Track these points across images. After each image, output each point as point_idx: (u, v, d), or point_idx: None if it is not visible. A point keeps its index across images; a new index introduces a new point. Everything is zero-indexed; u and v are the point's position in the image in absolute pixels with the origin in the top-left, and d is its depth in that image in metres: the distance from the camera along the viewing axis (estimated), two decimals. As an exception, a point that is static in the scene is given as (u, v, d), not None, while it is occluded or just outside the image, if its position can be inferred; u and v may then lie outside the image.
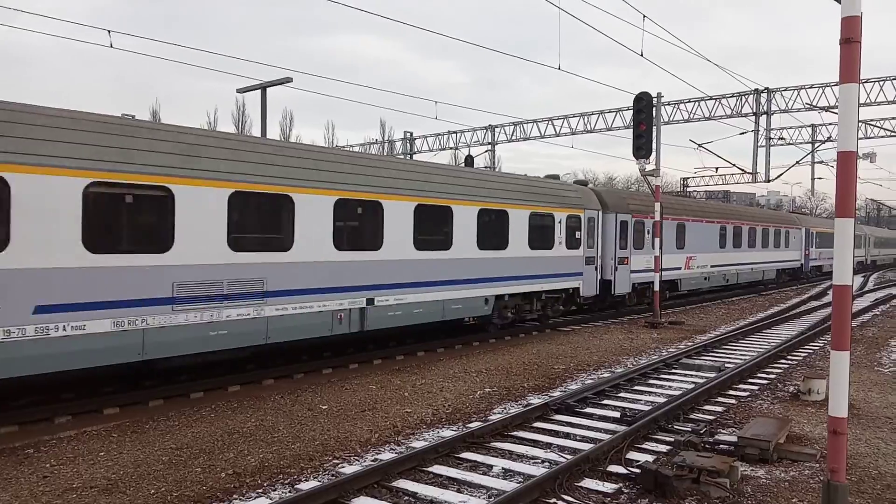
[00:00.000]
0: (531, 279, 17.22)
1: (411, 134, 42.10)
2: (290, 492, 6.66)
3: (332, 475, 7.14)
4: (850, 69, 5.51)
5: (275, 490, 6.75)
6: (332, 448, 8.09)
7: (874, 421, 9.42)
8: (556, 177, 21.27)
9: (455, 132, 40.29)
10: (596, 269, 19.81)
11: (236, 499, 6.52)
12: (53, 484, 6.84)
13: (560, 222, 18.20)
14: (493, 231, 16.05)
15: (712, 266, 27.35)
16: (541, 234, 17.50)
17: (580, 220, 19.09)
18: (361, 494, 6.54)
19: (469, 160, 35.89)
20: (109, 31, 17.24)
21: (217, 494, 6.62)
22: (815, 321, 20.18)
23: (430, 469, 7.30)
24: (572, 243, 18.70)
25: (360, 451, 8.03)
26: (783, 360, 13.99)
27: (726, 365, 13.09)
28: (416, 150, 41.84)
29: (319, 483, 6.82)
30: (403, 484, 6.86)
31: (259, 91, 25.45)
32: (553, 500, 6.43)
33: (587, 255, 19.36)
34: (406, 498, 6.58)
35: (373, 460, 7.62)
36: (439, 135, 40.87)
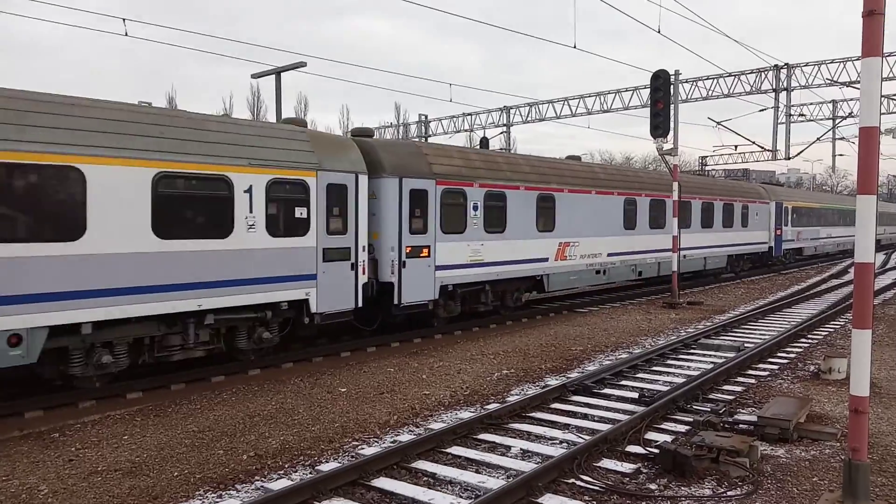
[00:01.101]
0: (149, 293, 9.73)
1: (426, 117, 41.96)
2: (310, 473, 6.74)
3: (352, 456, 7.21)
4: (872, 42, 5.39)
5: (296, 471, 6.83)
6: (352, 430, 8.16)
7: (896, 399, 9.32)
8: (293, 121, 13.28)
9: (470, 114, 40.10)
10: (355, 266, 12.60)
11: (258, 480, 6.62)
12: (79, 467, 6.97)
13: (249, 192, 10.88)
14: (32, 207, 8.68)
15: (611, 255, 19.81)
16: (189, 213, 10.27)
17: (308, 189, 11.76)
18: (381, 475, 6.61)
19: (484, 142, 35.72)
20: (124, 20, 17.31)
21: (239, 476, 6.72)
22: (836, 300, 19.97)
23: (448, 450, 7.34)
24: (289, 227, 11.58)
25: (378, 432, 8.10)
26: (803, 340, 13.87)
27: (745, 345, 13.00)
28: (430, 132, 41.70)
29: (339, 464, 6.89)
30: (422, 465, 6.91)
31: (273, 76, 25.44)
32: (572, 481, 6.45)
33: (330, 244, 12.20)
34: (425, 479, 6.63)
35: (392, 442, 7.68)
36: (454, 117, 40.70)
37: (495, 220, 15.92)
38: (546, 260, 17.44)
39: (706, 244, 25.37)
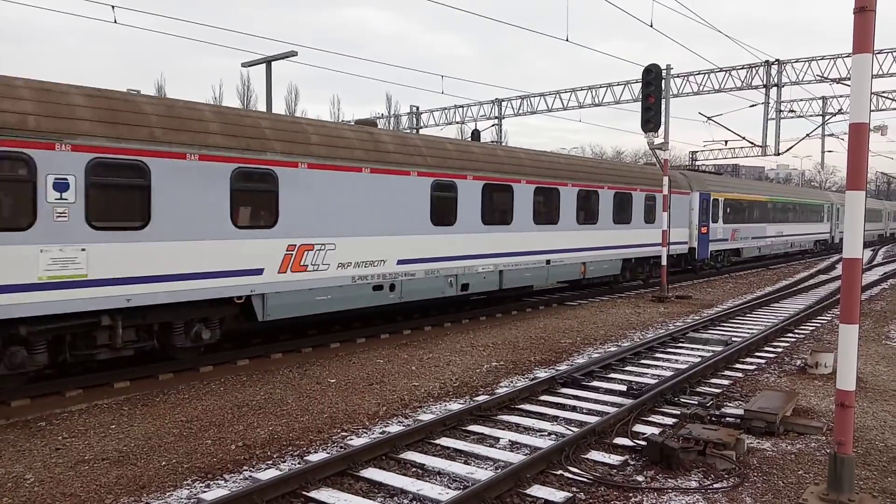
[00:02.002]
0: None
1: (417, 108, 41.84)
2: (299, 463, 6.74)
3: (341, 447, 7.21)
4: (863, 39, 5.40)
5: (284, 462, 6.82)
6: (341, 421, 8.16)
7: (882, 394, 9.42)
8: None
9: (462, 106, 40.00)
10: None
11: (246, 470, 6.60)
12: (66, 456, 6.94)
13: None
14: None
15: (407, 262, 13.79)
16: None
17: None
18: (370, 466, 6.61)
19: (476, 135, 35.69)
20: (113, 7, 17.13)
21: (227, 466, 6.70)
22: (824, 295, 20.13)
23: (437, 441, 7.36)
24: None
25: (368, 423, 8.10)
26: (790, 334, 13.98)
27: (733, 339, 13.09)
28: (422, 124, 41.59)
29: (328, 454, 6.89)
30: (411, 456, 6.92)
31: (264, 65, 25.29)
32: (559, 472, 6.48)
33: None
34: (414, 469, 6.64)
35: (381, 433, 7.68)
36: (445, 109, 40.60)
37: (121, 209, 9.55)
38: (260, 272, 11.13)
39: (585, 245, 18.97)
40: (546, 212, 17.50)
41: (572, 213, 18.44)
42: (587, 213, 19.13)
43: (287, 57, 24.29)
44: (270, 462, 6.82)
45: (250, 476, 6.43)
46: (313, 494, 5.95)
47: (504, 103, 38.35)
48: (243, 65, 26.87)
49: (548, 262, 17.53)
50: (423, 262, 14.12)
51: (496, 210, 16.04)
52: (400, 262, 13.59)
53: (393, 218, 13.42)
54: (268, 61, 25.03)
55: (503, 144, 35.53)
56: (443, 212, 14.56)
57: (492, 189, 15.82)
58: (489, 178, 15.71)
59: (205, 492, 6.08)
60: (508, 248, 16.32)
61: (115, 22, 17.53)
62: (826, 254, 42.56)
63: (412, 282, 13.93)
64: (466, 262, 15.21)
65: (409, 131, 31.58)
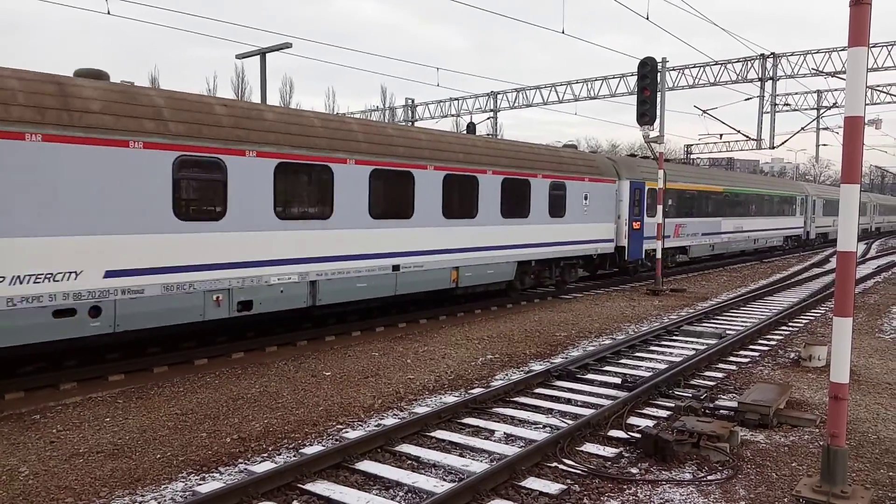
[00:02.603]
0: None
1: (413, 101, 41.74)
2: (294, 456, 6.74)
3: (336, 440, 7.22)
4: (859, 32, 5.40)
5: (279, 454, 6.83)
6: (336, 413, 8.16)
7: (875, 387, 9.47)
8: None
9: (457, 99, 39.94)
10: None
11: (241, 462, 6.60)
12: (60, 449, 6.92)
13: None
14: None
15: (117, 274, 9.36)
16: None
17: None
18: (365, 458, 6.62)
19: (471, 128, 35.62)
20: (106, -4, 16.98)
21: (223, 459, 6.70)
22: (817, 288, 20.20)
23: (432, 434, 7.37)
24: None
25: (363, 416, 8.10)
26: (784, 327, 14.03)
27: (727, 331, 13.13)
28: (417, 117, 41.50)
29: (324, 447, 6.89)
30: (407, 448, 6.93)
31: (258, 57, 25.18)
32: (554, 464, 6.50)
33: None
34: (409, 462, 6.65)
35: (376, 425, 7.69)
36: (441, 101, 40.53)
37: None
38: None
39: (457, 245, 14.88)
40: (391, 203, 13.42)
41: (435, 204, 14.31)
42: (460, 204, 15.05)
43: (281, 48, 24.19)
44: (265, 455, 6.82)
45: (245, 469, 6.43)
46: (308, 487, 5.96)
47: (500, 96, 38.30)
48: (237, 56, 26.74)
49: (396, 267, 13.38)
50: (159, 272, 9.78)
51: (303, 200, 11.85)
52: (110, 273, 9.22)
53: (96, 208, 9.06)
54: (262, 53, 24.92)
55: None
56: (199, 200, 10.46)
57: (292, 171, 11.42)
58: (286, 156, 11.24)
59: (200, 484, 6.08)
60: (325, 250, 12.01)
61: (109, 13, 17.43)
62: (800, 250, 39.14)
63: (138, 302, 9.55)
64: (250, 271, 10.89)
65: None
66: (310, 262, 11.78)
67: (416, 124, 40.01)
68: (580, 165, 19.37)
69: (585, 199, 19.17)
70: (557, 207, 18.05)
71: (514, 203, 16.56)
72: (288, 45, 23.92)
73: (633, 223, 21.47)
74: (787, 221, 36.97)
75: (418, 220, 13.95)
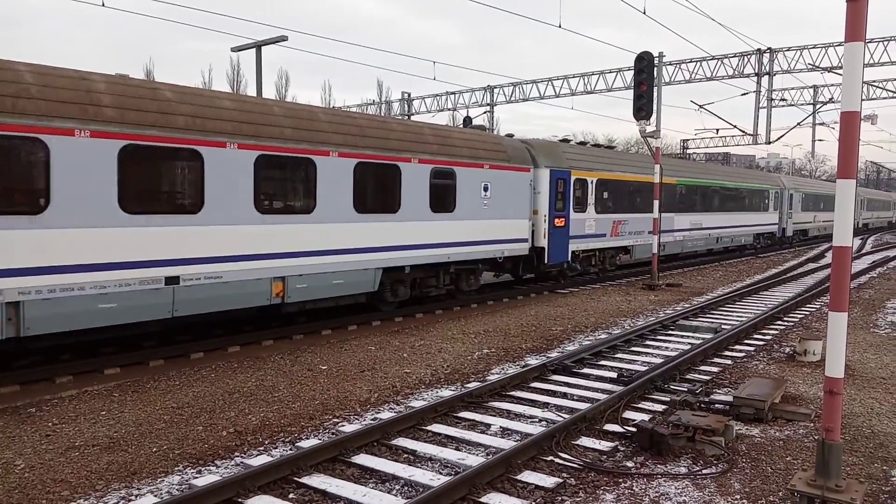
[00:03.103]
0: None
1: (409, 95, 41.65)
2: (291, 449, 6.74)
3: (333, 433, 7.22)
4: (856, 27, 5.40)
5: (276, 448, 6.83)
6: (332, 407, 8.17)
7: (869, 382, 9.51)
8: None
9: (453, 93, 39.86)
10: None
11: (238, 456, 6.61)
12: (56, 442, 6.92)
13: None
14: None
15: None
16: None
17: None
18: (362, 452, 6.63)
19: (467, 122, 35.57)
20: (101, -12, 16.89)
21: (219, 452, 6.70)
22: (812, 283, 20.27)
23: (429, 428, 7.38)
24: None
25: (359, 410, 8.11)
26: (779, 322, 14.08)
27: (723, 326, 13.17)
28: (413, 111, 41.42)
29: (320, 441, 6.90)
30: (403, 442, 6.94)
31: (254, 50, 25.08)
32: (550, 458, 6.52)
33: None
34: (406, 455, 6.66)
35: (372, 419, 7.70)
36: (437, 95, 40.45)
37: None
38: None
39: (280, 249, 11.48)
40: (169, 193, 10.33)
41: (244, 195, 10.87)
42: (291, 196, 11.86)
43: (277, 42, 24.10)
44: (262, 448, 6.83)
45: (242, 462, 6.44)
46: (305, 480, 5.97)
47: (496, 90, 38.24)
48: (233, 49, 26.64)
49: (170, 280, 9.96)
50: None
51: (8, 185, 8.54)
52: None
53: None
54: (258, 46, 24.83)
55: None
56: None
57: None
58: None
59: (196, 478, 6.08)
60: (31, 259, 8.61)
61: (104, 6, 17.32)
62: (775, 249, 35.58)
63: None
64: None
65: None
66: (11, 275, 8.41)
67: (413, 118, 39.93)
68: (478, 149, 15.59)
69: (485, 190, 15.60)
70: (443, 200, 14.48)
71: (376, 194, 13.08)
72: (284, 39, 23.84)
73: (556, 220, 18.01)
74: (757, 217, 33.33)
75: (212, 215, 10.45)
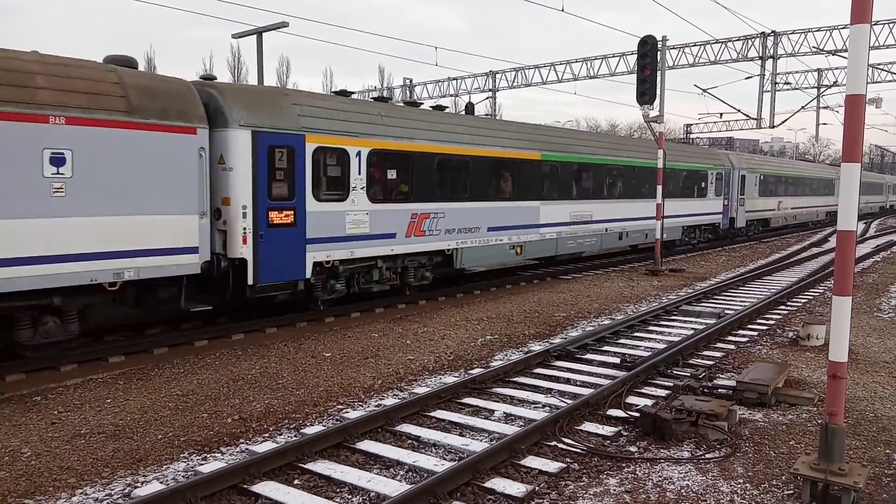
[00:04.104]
0: None
1: (411, 81, 41.47)
2: (295, 436, 6.77)
3: (337, 420, 7.25)
4: (861, 9, 5.34)
5: (280, 434, 6.86)
6: (336, 394, 8.20)
7: (872, 365, 9.51)
8: None
9: (455, 79, 39.66)
10: None
11: (243, 442, 6.64)
12: (62, 430, 6.96)
13: None
14: None
15: None
16: None
17: None
18: (366, 438, 6.66)
19: (469, 108, 35.42)
20: (100, -25, 16.78)
21: (224, 439, 6.74)
22: (816, 268, 20.23)
23: (432, 414, 7.41)
24: None
25: (363, 396, 8.14)
26: (783, 307, 14.07)
27: (726, 311, 13.16)
28: (415, 96, 41.26)
29: (324, 427, 6.93)
30: (407, 428, 6.97)
31: (255, 37, 24.96)
32: (554, 443, 6.54)
33: None
34: (409, 441, 6.69)
35: (376, 406, 7.73)
36: (439, 81, 40.24)
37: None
38: None
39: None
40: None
41: None
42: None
43: (278, 28, 23.97)
44: (267, 435, 6.86)
45: (247, 449, 6.47)
46: (310, 466, 6.00)
47: (498, 75, 38.04)
48: (234, 36, 26.51)
49: None
50: None
51: None
52: None
53: None
54: (259, 32, 24.70)
55: (489, 115, 35.04)
56: None
57: None
58: None
59: (202, 464, 6.11)
60: None
61: (103, -8, 17.22)
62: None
63: None
64: None
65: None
66: None
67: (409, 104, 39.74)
68: (39, 87, 8.62)
69: (57, 164, 8.77)
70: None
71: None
72: (284, 25, 23.71)
73: (273, 214, 11.37)
74: (690, 205, 25.68)
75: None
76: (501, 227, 16.49)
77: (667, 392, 8.18)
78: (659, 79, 19.55)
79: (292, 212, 11.72)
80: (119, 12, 79.64)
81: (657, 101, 19.53)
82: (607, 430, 6.88)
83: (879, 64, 33.49)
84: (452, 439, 6.68)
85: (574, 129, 26.07)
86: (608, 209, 20.69)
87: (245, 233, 10.95)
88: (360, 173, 12.92)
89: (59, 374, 9.03)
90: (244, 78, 55.92)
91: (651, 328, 11.97)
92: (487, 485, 5.63)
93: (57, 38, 76.47)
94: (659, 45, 19.58)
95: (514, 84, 37.55)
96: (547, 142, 18.43)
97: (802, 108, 33.90)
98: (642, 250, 24.38)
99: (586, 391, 8.12)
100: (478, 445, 6.47)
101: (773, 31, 28.90)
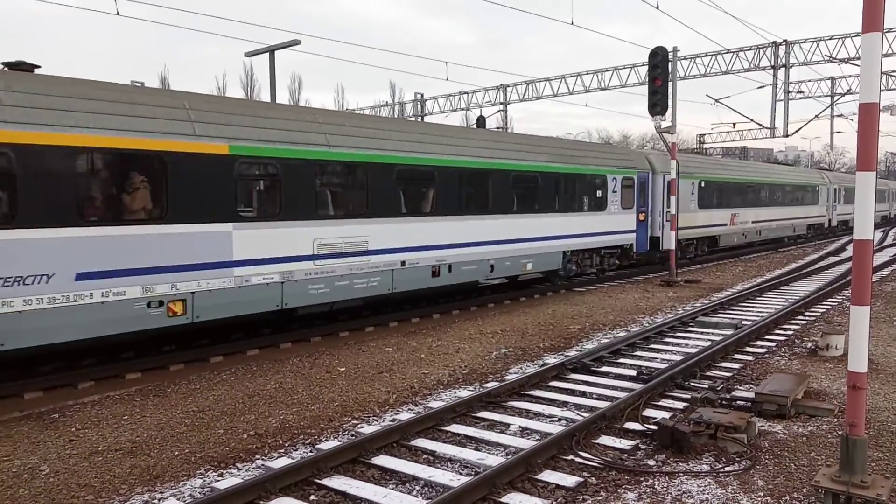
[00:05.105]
0: None
1: (422, 95, 41.69)
2: (311, 451, 6.77)
3: (352, 435, 7.24)
4: (873, 17, 5.32)
5: (296, 450, 6.86)
6: (351, 409, 8.19)
7: (893, 375, 9.38)
8: None
9: (466, 93, 39.84)
10: None
11: (259, 458, 6.65)
12: (79, 447, 6.99)
13: None
14: None
15: None
16: None
17: None
18: (381, 453, 6.64)
19: (481, 121, 35.57)
20: (115, -2, 17.08)
21: (240, 455, 6.75)
22: (833, 277, 20.02)
23: (448, 428, 7.38)
24: None
25: (378, 411, 8.12)
26: (801, 317, 13.92)
27: (743, 322, 13.04)
28: (427, 111, 41.46)
29: (340, 442, 6.92)
30: (422, 443, 6.94)
31: (267, 55, 25.23)
32: (570, 457, 6.49)
33: None
34: (425, 456, 6.66)
35: (391, 420, 7.71)
36: (450, 95, 40.43)
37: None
38: None
39: None
40: None
41: None
42: None
43: (290, 46, 24.21)
44: (282, 451, 6.86)
45: (263, 465, 6.48)
46: (325, 482, 5.99)
47: (509, 89, 38.16)
48: (246, 54, 26.81)
49: None
50: None
51: None
52: None
53: None
54: (271, 50, 24.96)
55: (507, 129, 35.15)
56: None
57: None
58: None
59: (218, 480, 6.12)
60: None
61: (118, 14, 17.52)
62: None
63: None
64: None
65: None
66: None
67: (425, 119, 39.96)
68: None
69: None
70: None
71: None
72: (296, 43, 23.95)
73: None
74: (572, 223, 18.17)
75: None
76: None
77: (684, 404, 8.10)
78: (671, 90, 19.53)
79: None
80: (133, 33, 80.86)
81: (669, 112, 19.49)
82: (625, 444, 6.82)
83: (893, 71, 33.27)
84: (468, 454, 6.65)
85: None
86: (418, 232, 13.70)
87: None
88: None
89: (77, 392, 9.10)
90: (257, 95, 56.48)
91: (667, 340, 11.88)
92: (504, 500, 5.59)
93: (70, 58, 77.67)
94: (670, 56, 19.58)
95: (525, 97, 37.65)
96: (252, 125, 10.94)
97: (816, 116, 33.71)
98: (648, 263, 22.75)
99: (603, 404, 8.06)
100: (494, 460, 6.43)
101: (784, 41, 28.83)
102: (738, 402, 8.02)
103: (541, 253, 16.97)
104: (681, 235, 22.81)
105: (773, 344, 11.43)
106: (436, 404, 8.25)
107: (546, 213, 17.19)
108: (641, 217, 21.45)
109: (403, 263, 13.44)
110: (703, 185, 25.62)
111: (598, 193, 19.31)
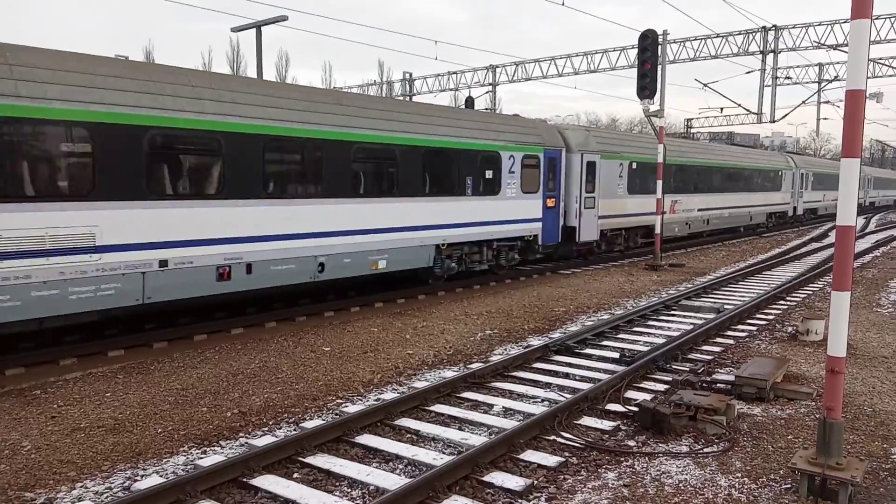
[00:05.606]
0: None
1: (410, 75, 41.38)
2: (295, 430, 6.79)
3: (336, 414, 7.27)
4: (862, 4, 5.33)
5: (280, 428, 6.88)
6: (335, 388, 8.21)
7: (871, 361, 9.53)
8: None
9: (455, 73, 39.60)
10: None
11: (242, 436, 6.65)
12: (61, 424, 6.97)
13: None
14: None
15: None
16: None
17: None
18: (365, 432, 6.67)
19: (469, 102, 35.40)
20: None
21: (223, 432, 6.75)
22: (815, 263, 20.23)
23: (431, 408, 7.42)
24: None
25: (362, 391, 8.15)
26: (782, 301, 14.08)
27: (725, 306, 13.17)
28: (415, 91, 41.19)
29: (324, 421, 6.94)
30: (406, 422, 6.98)
31: (254, 30, 24.91)
32: (552, 438, 6.55)
33: None
34: (409, 435, 6.70)
35: (375, 400, 7.74)
36: (439, 75, 40.18)
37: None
38: None
39: None
40: None
41: None
42: None
43: (277, 21, 23.92)
44: (266, 429, 6.87)
45: (246, 442, 6.49)
46: (309, 460, 6.01)
47: (498, 69, 37.96)
48: (233, 29, 26.46)
49: None
50: None
51: None
52: None
53: None
54: (258, 26, 24.65)
55: (495, 111, 35.08)
56: None
57: None
58: None
59: (201, 458, 6.13)
60: None
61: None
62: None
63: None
64: None
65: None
66: None
67: (414, 98, 39.71)
68: None
69: None
70: None
71: None
72: (284, 18, 23.66)
73: None
74: (447, 208, 14.92)
75: None
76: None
77: (666, 387, 8.20)
78: (659, 73, 19.51)
79: None
80: (118, 7, 79.39)
81: (658, 96, 19.49)
82: (606, 425, 6.90)
83: (880, 58, 33.41)
84: (451, 433, 6.69)
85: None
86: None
87: None
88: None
89: (59, 368, 9.04)
90: (243, 71, 55.82)
91: (650, 323, 11.99)
92: (486, 478, 5.65)
93: (55, 32, 76.24)
94: (659, 40, 19.54)
95: (514, 78, 37.50)
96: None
97: (803, 102, 33.76)
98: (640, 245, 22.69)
99: (585, 386, 8.13)
100: (477, 439, 6.48)
101: (773, 26, 28.84)
102: (719, 384, 8.13)
103: (400, 247, 13.66)
104: (607, 225, 20.76)
105: (754, 328, 11.56)
106: (420, 384, 8.29)
107: (408, 197, 13.75)
108: (551, 203, 17.93)
109: (164, 264, 9.84)
110: (633, 166, 22.02)
111: (488, 174, 15.84)
